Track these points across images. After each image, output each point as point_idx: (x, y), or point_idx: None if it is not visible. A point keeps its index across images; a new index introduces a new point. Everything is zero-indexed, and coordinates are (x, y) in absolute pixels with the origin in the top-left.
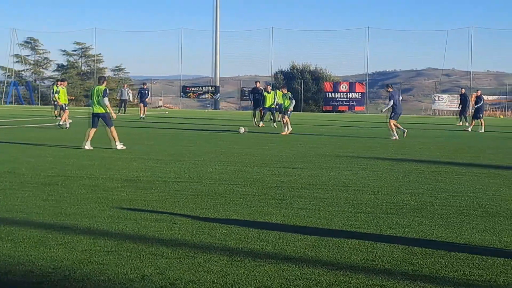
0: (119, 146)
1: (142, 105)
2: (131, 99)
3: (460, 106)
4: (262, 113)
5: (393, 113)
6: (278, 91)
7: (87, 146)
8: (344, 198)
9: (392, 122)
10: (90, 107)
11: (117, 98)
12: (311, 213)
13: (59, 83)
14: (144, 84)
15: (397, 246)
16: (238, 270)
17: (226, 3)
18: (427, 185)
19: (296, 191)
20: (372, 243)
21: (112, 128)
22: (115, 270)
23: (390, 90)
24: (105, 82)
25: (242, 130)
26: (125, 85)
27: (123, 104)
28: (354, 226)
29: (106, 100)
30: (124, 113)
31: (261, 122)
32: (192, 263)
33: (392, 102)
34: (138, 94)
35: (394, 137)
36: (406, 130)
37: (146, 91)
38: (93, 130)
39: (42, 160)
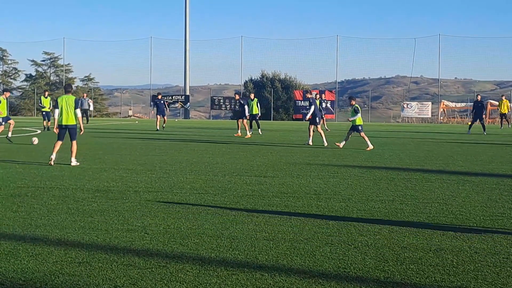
0: (74, 162)
1: (159, 116)
2: (91, 108)
3: (474, 113)
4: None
5: (315, 118)
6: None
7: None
8: (315, 206)
9: (312, 127)
10: (56, 118)
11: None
12: (283, 222)
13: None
14: (158, 94)
15: (369, 253)
16: (211, 279)
17: (195, 12)
18: (398, 192)
19: (267, 199)
20: (343, 250)
21: (75, 142)
22: (87, 281)
23: (310, 96)
24: (72, 91)
25: (35, 141)
26: (85, 95)
27: (84, 114)
28: (325, 234)
29: (78, 112)
30: (87, 123)
31: (248, 133)
32: (164, 273)
33: (313, 107)
34: (154, 106)
35: (309, 143)
36: (310, 143)
37: (162, 102)
38: (60, 143)
39: (12, 171)
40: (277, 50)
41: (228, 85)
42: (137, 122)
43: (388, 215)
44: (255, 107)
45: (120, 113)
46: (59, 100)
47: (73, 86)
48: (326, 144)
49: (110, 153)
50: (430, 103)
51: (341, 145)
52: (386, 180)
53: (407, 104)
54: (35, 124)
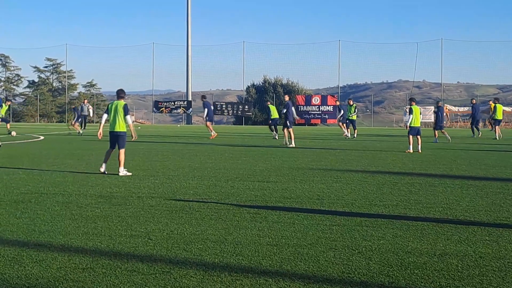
0: (123, 172)
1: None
2: (90, 115)
3: (471, 117)
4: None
5: (287, 121)
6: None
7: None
8: (318, 211)
9: (287, 130)
10: (102, 123)
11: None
12: (286, 227)
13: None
14: (203, 97)
15: (373, 258)
16: (215, 285)
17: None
18: (401, 197)
19: (270, 204)
20: (347, 255)
21: (123, 151)
22: (91, 287)
23: (287, 99)
24: (124, 96)
25: (13, 133)
26: (85, 101)
27: (83, 120)
28: (329, 239)
29: (128, 118)
30: (84, 128)
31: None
32: (168, 279)
33: (285, 110)
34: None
35: (291, 145)
36: (293, 145)
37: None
38: (111, 151)
39: (15, 178)
40: (279, 55)
41: (230, 91)
42: (139, 128)
43: (392, 220)
44: (352, 111)
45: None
46: (109, 105)
47: (77, 92)
48: (286, 144)
49: (112, 158)
50: (432, 107)
51: (411, 150)
52: (389, 184)
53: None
54: (38, 130)
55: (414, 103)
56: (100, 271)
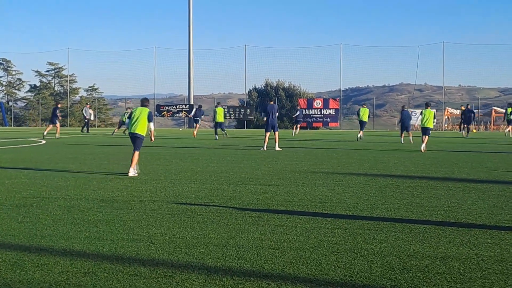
0: (132, 172)
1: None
2: (92, 118)
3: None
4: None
5: (267, 125)
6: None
7: (131, 173)
8: (320, 214)
9: (268, 135)
10: (128, 128)
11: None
12: (288, 230)
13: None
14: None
15: (375, 261)
16: None
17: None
18: (403, 200)
19: (272, 208)
20: (350, 259)
21: (137, 153)
22: None
23: (271, 103)
24: (148, 104)
25: None
26: (88, 105)
27: (85, 124)
28: (331, 242)
29: (151, 125)
30: (87, 132)
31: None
32: (170, 283)
33: (267, 115)
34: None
35: (262, 148)
36: (264, 148)
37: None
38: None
39: (17, 182)
40: (281, 58)
41: (232, 94)
42: None
43: (394, 223)
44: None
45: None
46: (133, 111)
47: (78, 96)
48: (277, 148)
49: (115, 162)
50: (434, 110)
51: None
52: (391, 188)
53: (411, 112)
54: (40, 134)
55: (428, 108)
56: (102, 275)
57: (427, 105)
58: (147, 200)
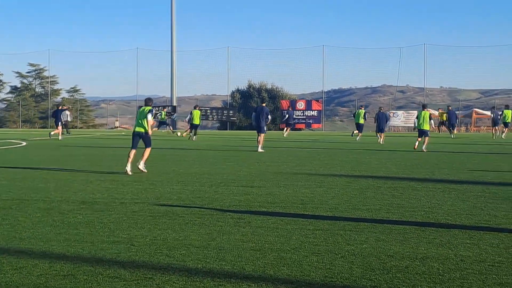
0: (142, 166)
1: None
2: (69, 119)
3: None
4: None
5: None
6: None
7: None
8: (302, 216)
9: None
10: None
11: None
12: (270, 232)
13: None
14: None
15: (356, 262)
16: None
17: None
18: (384, 201)
19: (254, 209)
20: (330, 260)
21: (149, 149)
22: None
23: (263, 105)
24: (151, 104)
25: None
26: (65, 106)
27: (64, 126)
28: (312, 243)
29: (149, 116)
30: (67, 133)
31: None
32: (150, 285)
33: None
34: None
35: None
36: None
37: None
38: (133, 151)
39: None
40: (264, 60)
41: (215, 96)
42: (123, 133)
43: (375, 224)
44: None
45: (107, 124)
46: (138, 111)
47: (60, 97)
48: (260, 150)
49: (96, 164)
50: (416, 112)
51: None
52: (372, 189)
53: (394, 113)
54: (20, 136)
55: (424, 109)
56: (81, 278)
57: (423, 106)
58: (128, 202)
